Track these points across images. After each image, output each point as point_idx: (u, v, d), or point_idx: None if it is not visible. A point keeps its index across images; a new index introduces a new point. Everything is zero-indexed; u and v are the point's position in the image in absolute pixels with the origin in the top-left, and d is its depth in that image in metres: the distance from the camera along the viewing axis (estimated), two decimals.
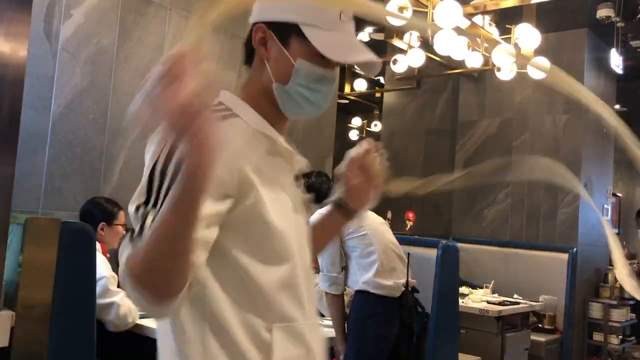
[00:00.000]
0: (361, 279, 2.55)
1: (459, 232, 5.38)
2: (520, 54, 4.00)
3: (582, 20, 4.96)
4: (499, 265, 4.84)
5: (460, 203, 5.55)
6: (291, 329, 0.95)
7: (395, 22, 3.72)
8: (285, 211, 0.98)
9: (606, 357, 5.14)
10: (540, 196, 5.16)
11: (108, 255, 2.45)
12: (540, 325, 4.55)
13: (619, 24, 4.62)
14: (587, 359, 5.15)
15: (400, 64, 4.72)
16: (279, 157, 1.02)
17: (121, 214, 2.57)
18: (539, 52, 4.30)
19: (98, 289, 2.20)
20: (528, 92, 5.31)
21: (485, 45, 4.05)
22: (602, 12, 4.45)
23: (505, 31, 4.16)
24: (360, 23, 4.93)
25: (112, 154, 2.79)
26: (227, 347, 0.90)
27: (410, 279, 2.63)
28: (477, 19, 3.93)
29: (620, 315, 5.04)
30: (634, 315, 5.24)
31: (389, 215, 4.37)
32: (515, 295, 4.31)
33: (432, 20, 3.43)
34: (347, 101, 6.51)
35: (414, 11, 3.57)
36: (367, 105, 7.23)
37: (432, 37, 3.59)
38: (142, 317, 2.36)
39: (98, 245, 2.41)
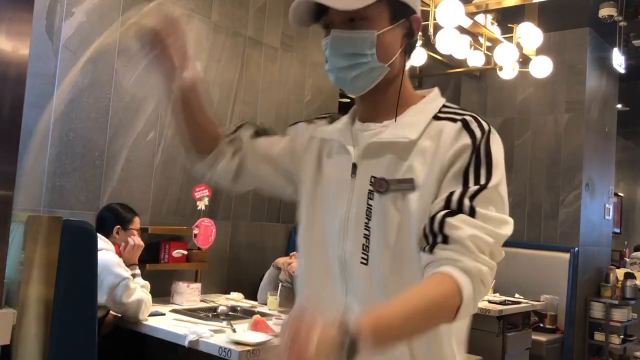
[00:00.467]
0: None
1: None
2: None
3: (585, 19, 4.95)
4: (500, 265, 4.80)
5: None
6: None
7: None
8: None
9: (607, 357, 5.14)
10: (541, 195, 5.16)
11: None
12: (541, 325, 4.55)
13: (621, 23, 4.62)
14: (588, 359, 5.14)
15: None
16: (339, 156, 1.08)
17: (136, 219, 2.60)
18: (541, 51, 4.29)
19: (120, 289, 2.27)
20: (530, 91, 5.30)
21: (488, 44, 4.04)
22: (605, 11, 4.44)
23: (507, 30, 4.15)
24: None
25: (113, 152, 2.79)
26: None
27: None
28: (479, 18, 3.93)
29: (621, 315, 5.04)
30: (635, 315, 5.24)
31: None
32: (517, 295, 4.31)
33: (435, 19, 3.43)
34: (348, 100, 6.51)
35: None
36: None
37: (434, 36, 3.58)
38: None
39: (112, 246, 2.44)
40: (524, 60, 4.22)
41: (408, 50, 1.08)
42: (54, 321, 1.65)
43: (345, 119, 1.13)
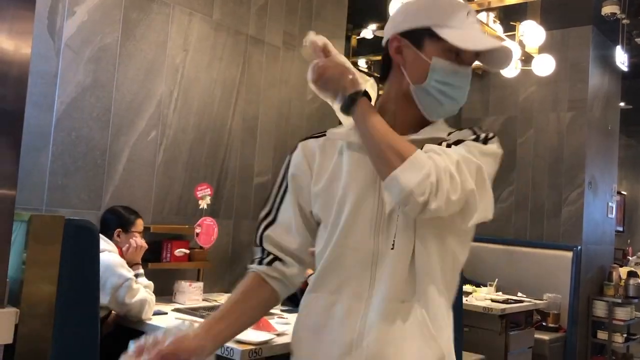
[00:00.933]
0: None
1: None
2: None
3: (587, 17, 4.94)
4: (503, 264, 4.83)
5: None
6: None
7: None
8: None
9: (610, 355, 5.13)
10: (544, 194, 5.15)
11: None
12: (544, 324, 4.54)
13: (624, 21, 4.60)
14: (591, 358, 5.13)
15: None
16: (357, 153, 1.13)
17: (138, 221, 2.60)
18: (543, 49, 4.28)
19: (123, 290, 2.27)
20: (532, 89, 5.29)
21: None
22: (608, 9, 4.42)
23: (509, 28, 4.14)
24: (364, 19, 4.91)
25: (116, 151, 2.79)
26: None
27: None
28: (482, 16, 3.92)
29: (624, 314, 5.03)
30: (638, 313, 5.23)
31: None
32: (519, 294, 4.30)
33: None
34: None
35: None
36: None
37: None
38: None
39: (114, 247, 2.45)
40: (527, 59, 4.21)
41: None
42: (57, 320, 1.65)
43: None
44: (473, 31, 1.12)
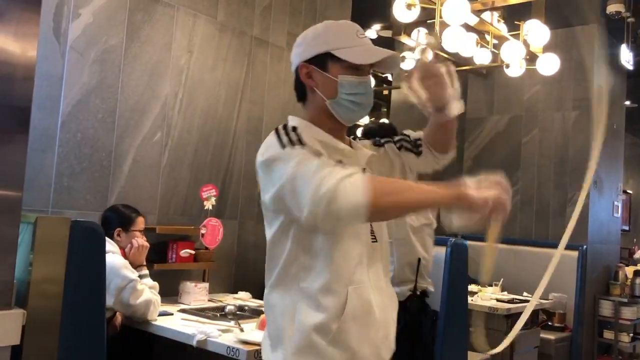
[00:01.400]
0: None
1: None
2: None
3: (592, 16, 4.92)
4: (508, 263, 4.81)
5: None
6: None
7: (403, 18, 3.70)
8: None
9: (617, 355, 5.11)
10: (549, 193, 5.14)
11: None
12: (550, 323, 4.53)
13: (629, 20, 4.59)
14: (597, 358, 5.12)
15: (409, 61, 4.71)
16: (343, 158, 1.33)
17: (139, 219, 2.59)
18: (548, 48, 4.27)
19: (127, 291, 2.28)
20: (537, 88, 5.28)
21: (494, 41, 4.02)
22: (612, 8, 4.41)
23: (514, 27, 4.13)
24: (367, 20, 4.89)
25: (121, 152, 2.80)
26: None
27: (422, 284, 2.68)
28: (486, 16, 3.91)
29: (631, 313, 5.01)
30: None
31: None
32: (525, 293, 4.29)
33: (441, 17, 3.41)
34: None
35: (422, 8, 3.56)
36: (374, 103, 7.17)
37: (441, 34, 3.57)
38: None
39: (117, 248, 2.45)
40: (531, 58, 4.20)
41: None
42: (63, 321, 1.65)
43: (323, 135, 1.35)
44: (365, 46, 1.33)
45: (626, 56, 4.85)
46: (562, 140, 5.13)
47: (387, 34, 4.99)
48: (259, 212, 3.42)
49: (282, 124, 1.32)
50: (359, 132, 3.86)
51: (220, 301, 2.88)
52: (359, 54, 1.31)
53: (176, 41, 3.04)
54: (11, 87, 1.52)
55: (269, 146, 1.25)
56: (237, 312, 2.66)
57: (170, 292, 2.80)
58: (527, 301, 4.01)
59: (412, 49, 4.50)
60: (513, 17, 4.20)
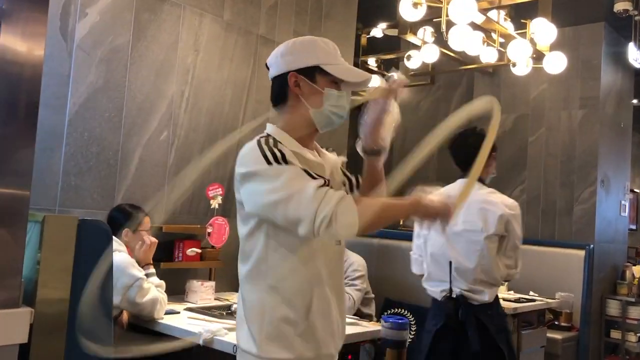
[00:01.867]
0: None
1: None
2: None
3: (599, 14, 4.89)
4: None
5: None
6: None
7: (409, 17, 3.69)
8: None
9: (624, 355, 5.09)
10: (556, 192, 5.12)
11: None
12: (556, 323, 4.51)
13: (637, 18, 4.56)
14: (604, 357, 5.10)
15: (414, 60, 4.70)
16: (310, 169, 1.40)
17: (146, 219, 2.60)
18: (555, 46, 4.25)
19: (134, 290, 2.29)
20: (544, 87, 5.25)
21: (501, 40, 4.01)
22: (620, 6, 4.38)
23: (520, 26, 4.11)
24: (373, 18, 4.87)
25: (128, 151, 2.81)
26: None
27: (458, 286, 2.53)
28: (492, 14, 3.89)
29: (638, 313, 4.99)
30: None
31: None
32: (531, 293, 4.27)
33: (447, 16, 3.40)
34: (360, 98, 6.47)
35: (428, 7, 3.55)
36: None
37: (447, 33, 3.56)
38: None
39: (124, 247, 2.46)
40: (538, 56, 4.18)
41: None
42: (70, 320, 1.66)
43: (295, 146, 1.44)
44: (345, 65, 1.49)
45: (634, 54, 4.82)
46: (569, 139, 5.11)
47: (393, 32, 4.98)
48: None
49: (262, 135, 1.46)
50: None
51: (227, 300, 2.88)
52: (345, 72, 1.47)
53: (182, 40, 3.04)
54: (19, 86, 1.53)
55: (253, 159, 1.37)
56: None
57: (176, 291, 2.81)
58: (534, 300, 4.01)
59: (417, 48, 4.49)
60: (520, 15, 4.18)
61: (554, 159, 5.17)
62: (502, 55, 4.17)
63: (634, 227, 7.75)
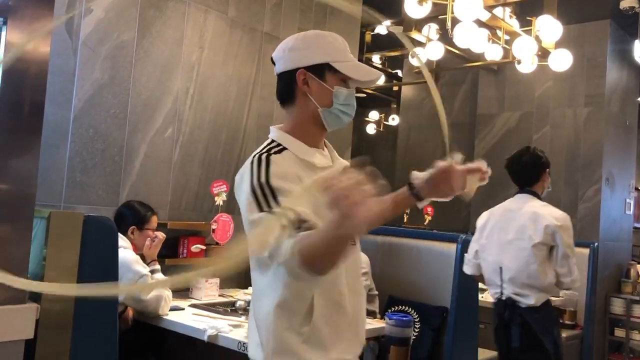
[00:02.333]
0: None
1: None
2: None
3: (605, 11, 4.87)
4: None
5: (478, 197, 5.50)
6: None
7: (414, 14, 3.68)
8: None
9: (628, 353, 5.08)
10: (560, 190, 5.10)
11: None
12: (560, 321, 4.50)
13: None
14: (608, 356, 5.09)
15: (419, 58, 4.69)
16: (320, 172, 1.35)
17: (153, 218, 2.61)
18: (560, 44, 4.24)
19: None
20: (548, 84, 5.24)
21: (506, 37, 4.00)
22: (626, 3, 4.36)
23: (525, 23, 4.10)
24: (378, 15, 4.85)
25: (133, 148, 2.81)
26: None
27: (508, 290, 2.72)
28: (498, 11, 3.88)
29: None
30: None
31: (407, 209, 4.34)
32: None
33: (452, 13, 3.40)
34: (364, 95, 6.48)
35: (434, 4, 3.54)
36: (384, 99, 7.18)
37: (452, 30, 3.55)
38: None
39: (129, 244, 2.47)
40: (543, 54, 4.16)
41: None
42: (76, 316, 1.67)
43: (304, 152, 1.38)
44: (354, 62, 1.41)
45: (639, 52, 4.79)
46: (574, 137, 5.10)
47: (398, 29, 4.97)
48: None
49: (261, 149, 1.36)
50: None
51: (231, 296, 2.89)
52: (355, 70, 1.40)
53: (187, 37, 3.05)
54: (24, 83, 1.54)
55: (245, 192, 1.35)
56: (248, 308, 2.67)
57: (181, 287, 2.81)
58: None
59: (422, 45, 4.49)
60: (525, 12, 4.17)
61: (558, 157, 5.15)
62: (507, 52, 4.16)
63: (638, 225, 7.71)
